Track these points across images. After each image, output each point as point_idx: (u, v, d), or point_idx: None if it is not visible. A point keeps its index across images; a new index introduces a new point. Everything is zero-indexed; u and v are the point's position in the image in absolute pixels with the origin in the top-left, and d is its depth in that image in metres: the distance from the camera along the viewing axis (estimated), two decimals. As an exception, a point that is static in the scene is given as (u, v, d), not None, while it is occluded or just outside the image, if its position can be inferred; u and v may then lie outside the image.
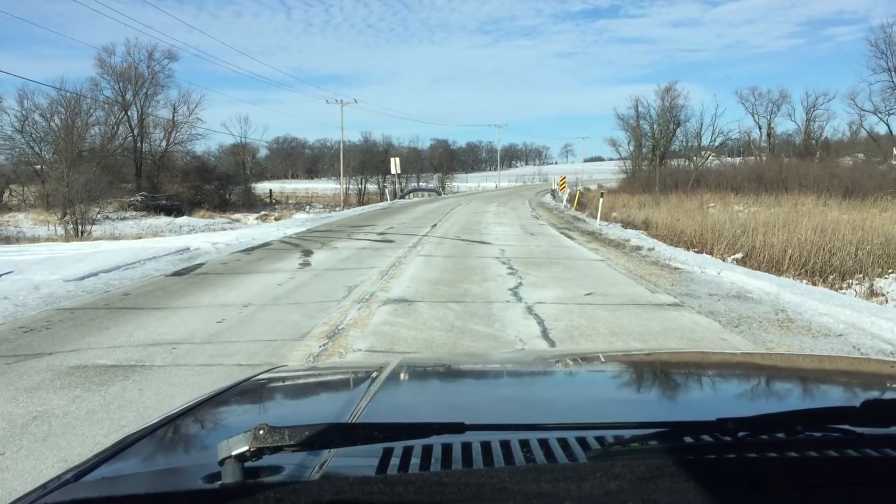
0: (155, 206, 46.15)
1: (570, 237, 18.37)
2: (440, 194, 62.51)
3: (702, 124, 69.17)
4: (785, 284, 10.07)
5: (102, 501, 0.90)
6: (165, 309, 8.09)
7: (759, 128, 72.21)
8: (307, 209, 49.64)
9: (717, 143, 65.67)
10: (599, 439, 1.03)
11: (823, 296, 9.13)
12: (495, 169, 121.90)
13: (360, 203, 55.43)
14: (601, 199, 24.48)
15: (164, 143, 53.43)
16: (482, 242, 16.19)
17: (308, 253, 14.02)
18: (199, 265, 12.21)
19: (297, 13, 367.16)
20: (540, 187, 75.80)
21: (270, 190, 62.33)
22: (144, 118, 52.20)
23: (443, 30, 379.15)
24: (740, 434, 0.93)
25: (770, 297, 9.03)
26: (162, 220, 41.18)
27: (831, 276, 14.45)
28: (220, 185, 53.77)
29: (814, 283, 13.12)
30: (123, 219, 41.85)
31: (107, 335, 6.75)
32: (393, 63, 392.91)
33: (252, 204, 54.33)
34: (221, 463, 0.88)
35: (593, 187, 64.79)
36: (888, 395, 1.58)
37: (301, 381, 2.08)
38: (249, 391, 1.73)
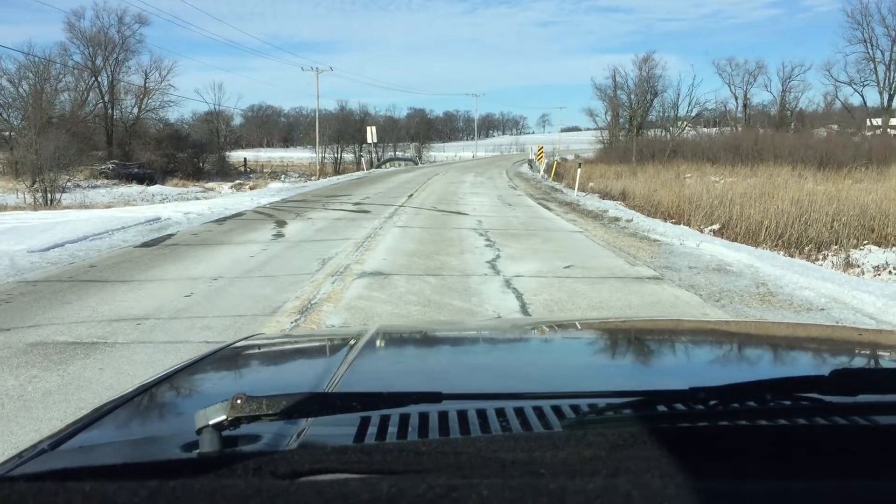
0: (127, 175, 45.26)
1: (547, 208, 18.20)
2: (417, 164, 62.09)
3: (679, 94, 68.95)
4: (765, 257, 9.97)
5: (81, 471, 0.85)
6: (132, 282, 7.80)
7: (736, 98, 72.37)
8: (282, 178, 49.06)
9: (694, 114, 65.74)
10: (574, 408, 1.04)
11: (803, 269, 9.04)
12: (472, 138, 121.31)
13: (336, 172, 54.80)
14: (578, 170, 24.30)
15: (135, 110, 52.33)
16: (459, 213, 15.97)
17: (282, 223, 13.72)
18: (170, 236, 11.89)
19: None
20: (517, 157, 75.51)
21: (245, 158, 61.45)
22: (115, 84, 51.10)
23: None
24: (711, 403, 0.93)
25: (750, 270, 8.92)
26: (134, 189, 40.39)
27: (808, 248, 14.46)
28: (193, 153, 52.87)
29: (791, 255, 13.08)
30: (94, 187, 41.04)
31: (69, 310, 6.47)
32: (370, 31, 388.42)
33: (226, 173, 53.55)
34: (199, 432, 0.87)
35: (570, 157, 64.54)
36: (857, 364, 1.61)
37: (279, 348, 2.08)
38: (227, 359, 1.73)
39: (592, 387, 1.28)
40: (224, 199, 20.95)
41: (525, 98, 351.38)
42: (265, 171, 59.48)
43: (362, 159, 56.08)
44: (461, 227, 13.00)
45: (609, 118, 69.16)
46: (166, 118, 55.03)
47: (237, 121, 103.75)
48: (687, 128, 64.77)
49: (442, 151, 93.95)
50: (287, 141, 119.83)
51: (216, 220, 14.25)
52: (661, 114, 67.54)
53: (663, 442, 0.77)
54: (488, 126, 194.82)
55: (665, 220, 17.97)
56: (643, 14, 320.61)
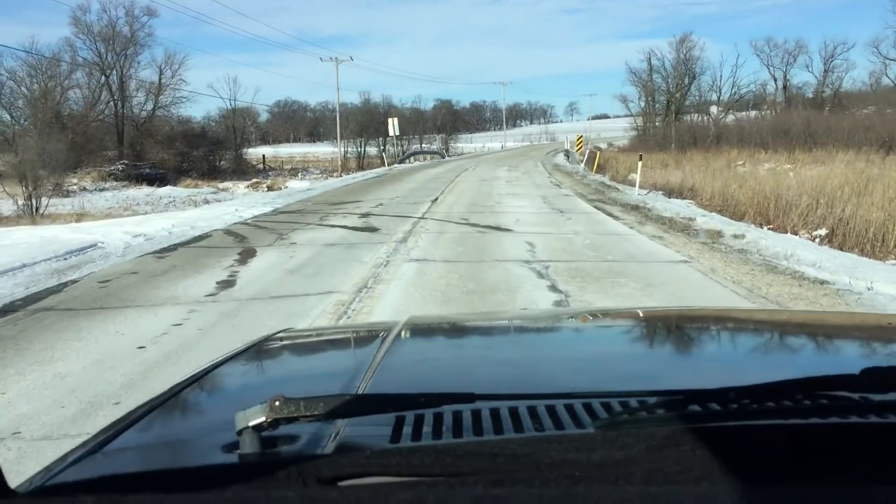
0: (137, 176, 41.37)
1: (611, 215, 13.63)
2: (443, 157, 57.25)
3: (721, 76, 63.60)
4: None
5: (128, 478, 0.82)
6: None
7: (775, 80, 66.95)
8: (299, 176, 44.97)
9: (739, 96, 60.61)
10: (606, 406, 1.01)
11: None
12: (500, 129, 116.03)
13: (360, 167, 50.55)
14: (640, 164, 19.50)
15: (146, 108, 48.43)
16: (499, 229, 11.45)
17: (248, 255, 9.32)
18: (63, 286, 7.54)
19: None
20: (548, 147, 70.56)
21: (263, 155, 57.28)
22: (125, 81, 47.16)
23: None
24: (742, 402, 0.90)
25: None
26: (142, 192, 36.43)
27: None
28: (209, 151, 48.89)
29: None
30: (102, 190, 37.25)
31: None
32: (395, 23, 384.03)
33: (243, 171, 49.45)
34: (239, 433, 0.85)
35: (603, 146, 59.82)
36: (891, 358, 1.54)
37: (311, 344, 2.03)
38: (259, 355, 1.68)
39: (623, 384, 1.24)
40: (202, 211, 16.39)
41: (552, 86, 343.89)
42: (285, 167, 55.28)
43: (384, 154, 51.62)
44: (506, 259, 8.50)
45: (643, 104, 64.29)
46: (193, 116, 51.34)
47: (263, 116, 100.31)
48: (726, 112, 59.79)
49: (469, 143, 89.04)
50: (313, 136, 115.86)
51: (161, 251, 9.89)
52: (697, 98, 62.60)
53: (696, 443, 0.75)
54: (516, 116, 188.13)
55: (761, 225, 13.66)
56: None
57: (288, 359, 1.83)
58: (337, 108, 52.14)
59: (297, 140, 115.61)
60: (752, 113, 61.49)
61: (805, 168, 30.47)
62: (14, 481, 0.75)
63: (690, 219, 12.68)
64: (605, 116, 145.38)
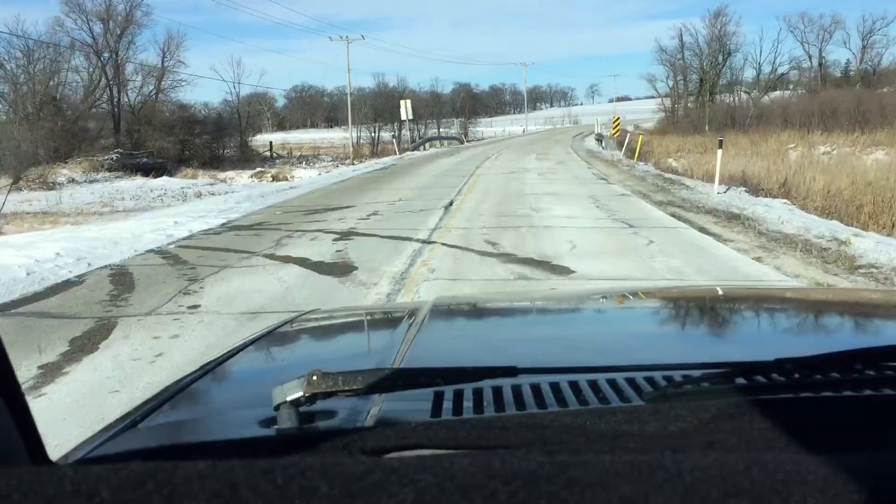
0: (133, 165, 37.14)
1: (705, 231, 8.97)
2: (462, 142, 52.29)
3: (760, 53, 58.60)
4: None
5: (172, 449, 0.83)
6: None
7: (810, 57, 61.93)
8: (305, 165, 40.55)
9: (778, 74, 55.47)
10: (650, 381, 0.97)
11: None
12: (520, 112, 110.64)
13: (374, 154, 45.98)
14: (719, 152, 14.66)
15: (143, 92, 44.15)
16: (549, 267, 6.80)
17: (82, 349, 4.71)
18: None
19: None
20: (573, 130, 65.43)
21: (270, 143, 52.71)
22: (121, 64, 42.82)
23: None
24: (799, 374, 0.86)
25: None
26: (135, 183, 32.14)
27: None
28: (211, 138, 44.57)
29: None
30: (93, 181, 33.07)
31: None
32: (415, 7, 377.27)
33: (248, 159, 45.08)
34: (277, 408, 0.83)
35: (629, 128, 55.17)
36: None
37: (338, 324, 1.95)
38: (288, 336, 1.65)
39: (666, 358, 1.15)
40: (130, 223, 11.31)
41: (572, 68, 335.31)
42: (294, 155, 50.72)
43: (394, 141, 46.83)
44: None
45: (673, 84, 59.13)
46: (210, 102, 47.06)
47: (280, 102, 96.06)
48: (766, 91, 54.83)
49: (489, 126, 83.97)
50: (330, 121, 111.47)
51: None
52: (729, 77, 57.51)
53: (752, 415, 0.72)
54: (536, 98, 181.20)
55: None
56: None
57: (317, 338, 1.78)
58: (348, 91, 47.52)
59: (314, 125, 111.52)
60: (786, 92, 56.80)
61: (867, 152, 26.12)
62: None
63: (839, 240, 7.97)
64: (627, 98, 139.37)
